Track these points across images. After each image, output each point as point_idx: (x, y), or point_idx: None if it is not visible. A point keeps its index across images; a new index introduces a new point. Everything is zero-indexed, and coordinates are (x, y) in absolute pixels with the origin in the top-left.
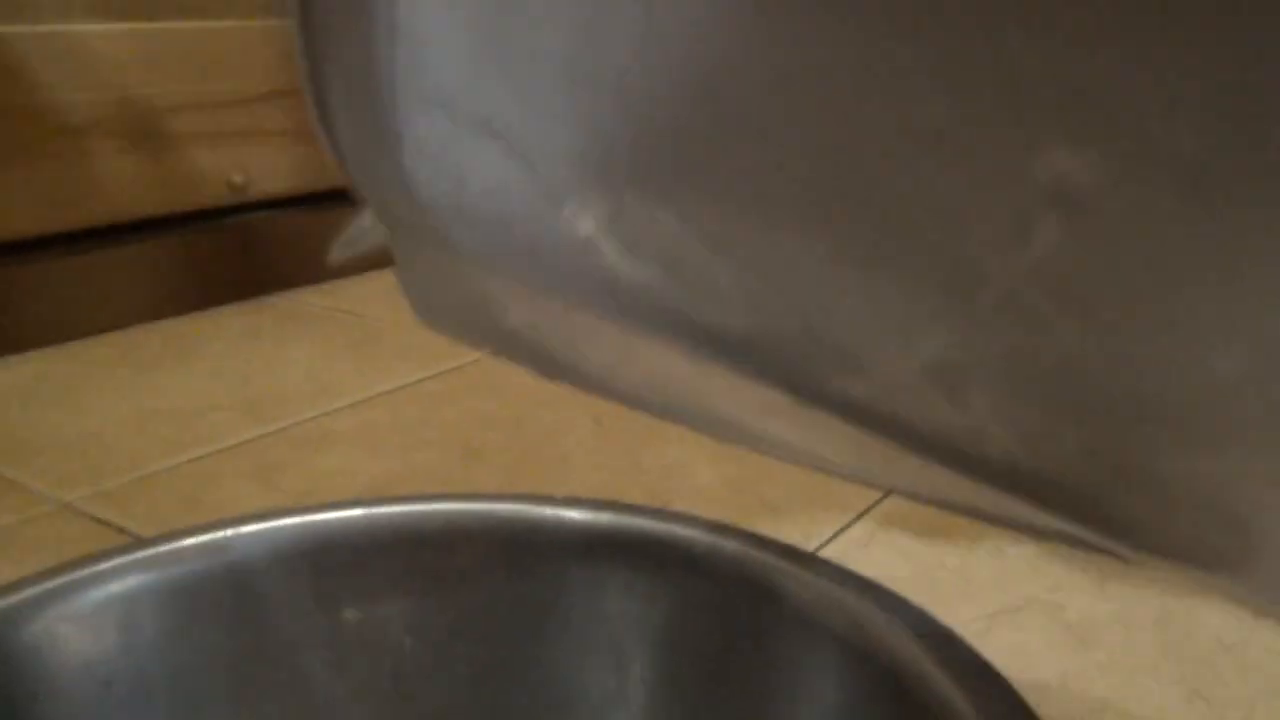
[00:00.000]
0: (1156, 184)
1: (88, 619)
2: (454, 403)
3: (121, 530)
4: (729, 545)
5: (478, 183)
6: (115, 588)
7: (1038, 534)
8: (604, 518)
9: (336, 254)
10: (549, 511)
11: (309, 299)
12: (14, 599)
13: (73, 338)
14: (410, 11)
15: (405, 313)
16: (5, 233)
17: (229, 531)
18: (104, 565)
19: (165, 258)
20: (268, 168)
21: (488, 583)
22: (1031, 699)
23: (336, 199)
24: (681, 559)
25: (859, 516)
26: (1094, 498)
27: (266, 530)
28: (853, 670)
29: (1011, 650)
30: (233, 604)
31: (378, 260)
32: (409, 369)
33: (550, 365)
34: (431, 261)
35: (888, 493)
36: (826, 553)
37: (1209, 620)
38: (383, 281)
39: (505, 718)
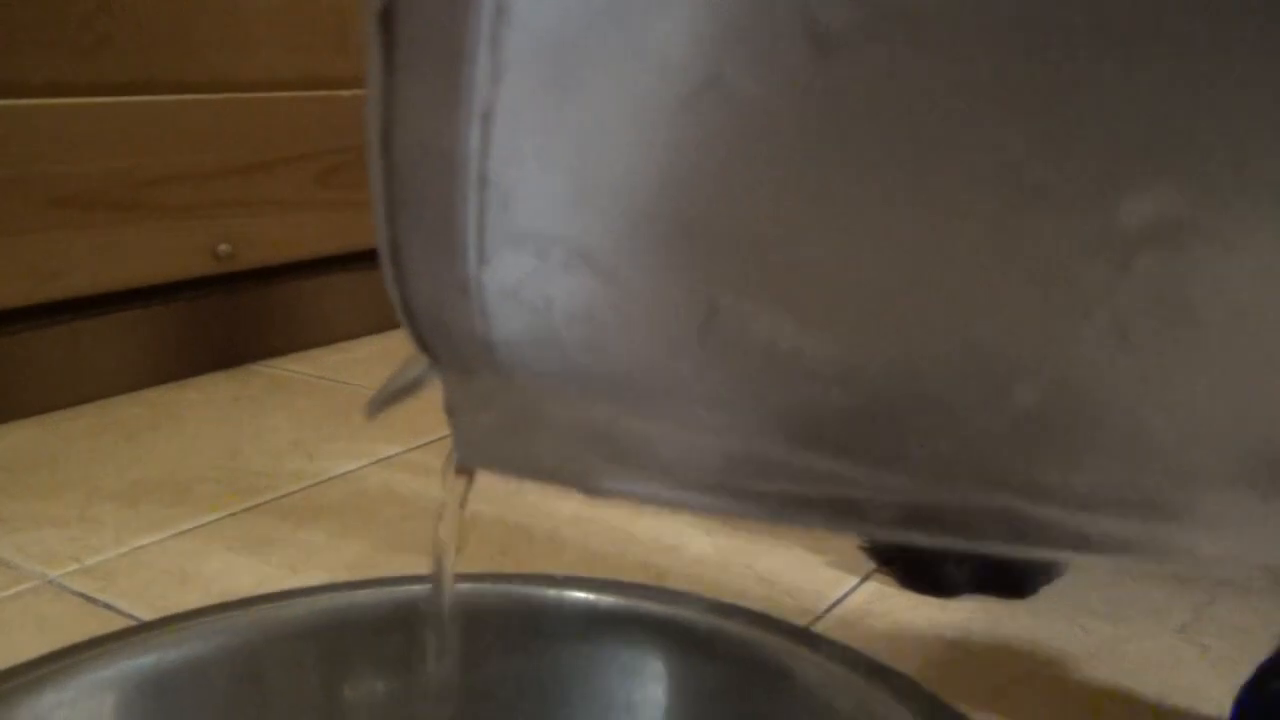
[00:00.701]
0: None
1: (84, 704)
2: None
3: (108, 607)
4: (732, 626)
5: (565, 311)
6: (112, 672)
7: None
8: (606, 599)
9: (373, 408)
10: (551, 593)
11: (294, 367)
12: (10, 684)
13: (56, 408)
14: (501, 163)
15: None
16: None
17: (227, 615)
18: (101, 650)
19: (150, 327)
20: (253, 238)
21: (489, 663)
22: None
23: (323, 267)
24: (685, 640)
25: (854, 588)
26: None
27: (265, 613)
28: None
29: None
30: (231, 687)
31: (363, 329)
32: (398, 438)
33: (599, 484)
34: (490, 403)
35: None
36: (825, 623)
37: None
38: (368, 349)
39: None
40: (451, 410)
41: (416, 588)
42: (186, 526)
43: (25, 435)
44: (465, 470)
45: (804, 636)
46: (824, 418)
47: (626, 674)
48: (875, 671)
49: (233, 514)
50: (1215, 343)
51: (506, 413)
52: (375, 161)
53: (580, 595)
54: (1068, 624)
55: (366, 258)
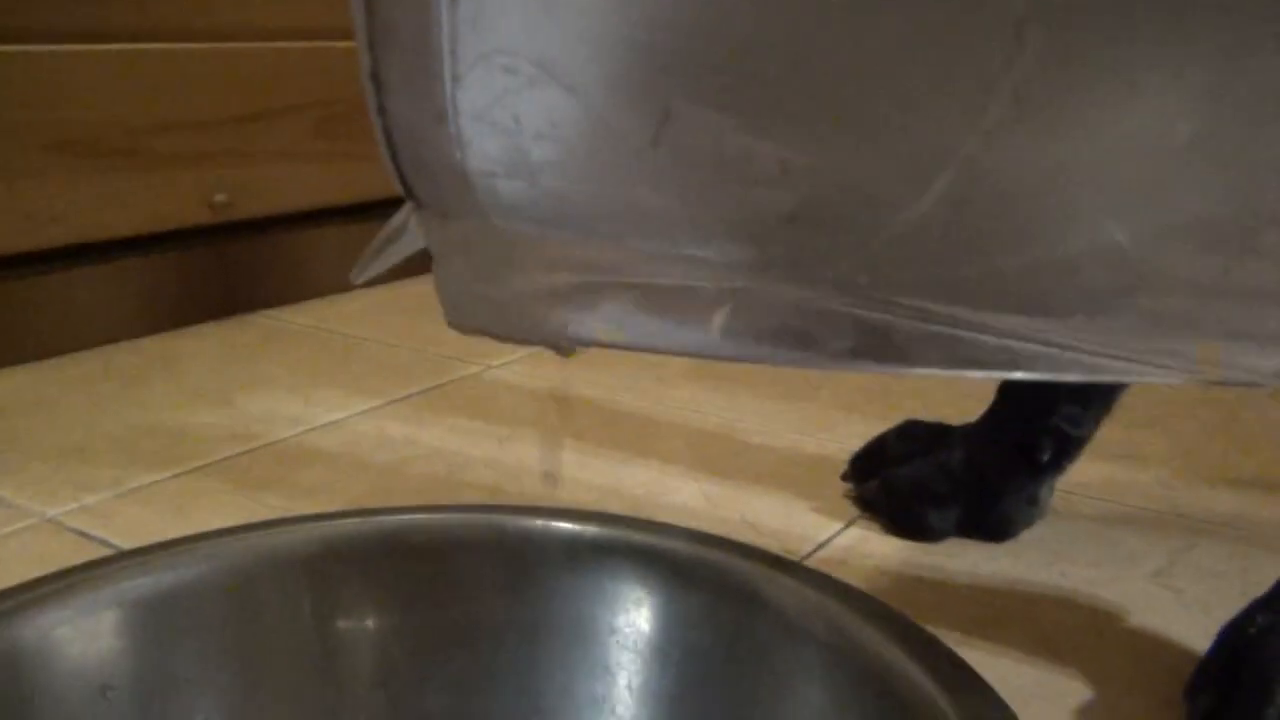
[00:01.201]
0: None
1: (84, 624)
2: (436, 420)
3: (105, 544)
4: (713, 554)
5: (533, 128)
6: (112, 594)
7: None
8: (590, 529)
9: (359, 273)
10: (537, 522)
11: (290, 317)
12: (11, 602)
13: (55, 354)
14: None
15: (387, 331)
16: None
17: (224, 540)
18: (101, 571)
19: (147, 276)
20: (250, 188)
21: (476, 591)
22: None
23: (319, 219)
24: (667, 568)
25: (839, 532)
26: None
27: (260, 539)
28: (836, 673)
29: (990, 658)
30: (227, 612)
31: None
32: (391, 386)
33: (573, 331)
34: (469, 249)
35: (865, 511)
36: (810, 565)
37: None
38: (364, 301)
39: (493, 719)
40: (434, 259)
41: (405, 518)
42: (183, 469)
43: (23, 380)
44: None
45: (780, 564)
46: (770, 225)
47: (609, 601)
48: (848, 595)
49: (228, 458)
50: (1109, 112)
51: (484, 259)
52: None
53: (565, 525)
54: (1045, 568)
55: (363, 210)
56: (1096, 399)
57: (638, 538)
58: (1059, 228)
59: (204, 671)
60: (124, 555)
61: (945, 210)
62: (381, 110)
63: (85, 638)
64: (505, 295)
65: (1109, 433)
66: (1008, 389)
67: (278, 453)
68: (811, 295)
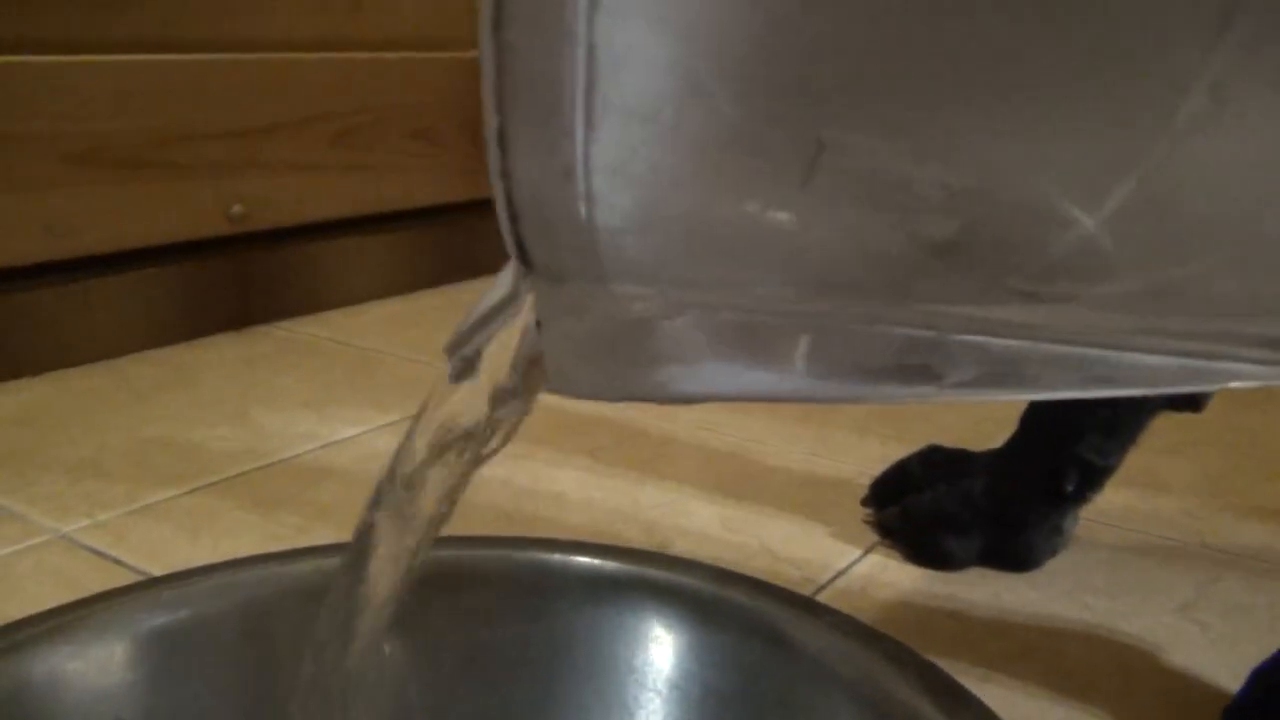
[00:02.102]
0: None
1: (95, 657)
2: None
3: (119, 562)
4: (735, 593)
5: (670, 178)
6: (125, 626)
7: None
8: (610, 564)
9: (454, 345)
10: (556, 557)
11: (306, 329)
12: (25, 634)
13: (69, 365)
14: (609, 27)
15: (404, 345)
16: (5, 260)
17: (236, 571)
18: (114, 603)
19: (162, 287)
20: (267, 199)
21: (494, 625)
22: None
23: (336, 231)
24: (688, 606)
25: (858, 559)
26: None
27: (273, 571)
28: (848, 706)
29: (1013, 694)
30: (241, 644)
31: (375, 292)
32: (407, 402)
33: (694, 388)
34: (580, 313)
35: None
36: (828, 593)
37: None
38: (379, 312)
39: None
40: (541, 325)
41: (432, 552)
42: (197, 485)
43: (38, 392)
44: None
45: (804, 604)
46: (920, 257)
47: (629, 639)
48: (873, 639)
49: (243, 473)
50: None
51: (594, 323)
52: (486, 44)
53: (584, 560)
54: (1069, 599)
55: (379, 221)
56: (1123, 429)
57: (658, 574)
58: (1242, 231)
59: (217, 705)
60: (135, 586)
61: (1118, 224)
62: (505, 173)
63: (96, 671)
64: (610, 358)
65: (1132, 459)
66: (1032, 416)
67: (292, 469)
68: (942, 327)
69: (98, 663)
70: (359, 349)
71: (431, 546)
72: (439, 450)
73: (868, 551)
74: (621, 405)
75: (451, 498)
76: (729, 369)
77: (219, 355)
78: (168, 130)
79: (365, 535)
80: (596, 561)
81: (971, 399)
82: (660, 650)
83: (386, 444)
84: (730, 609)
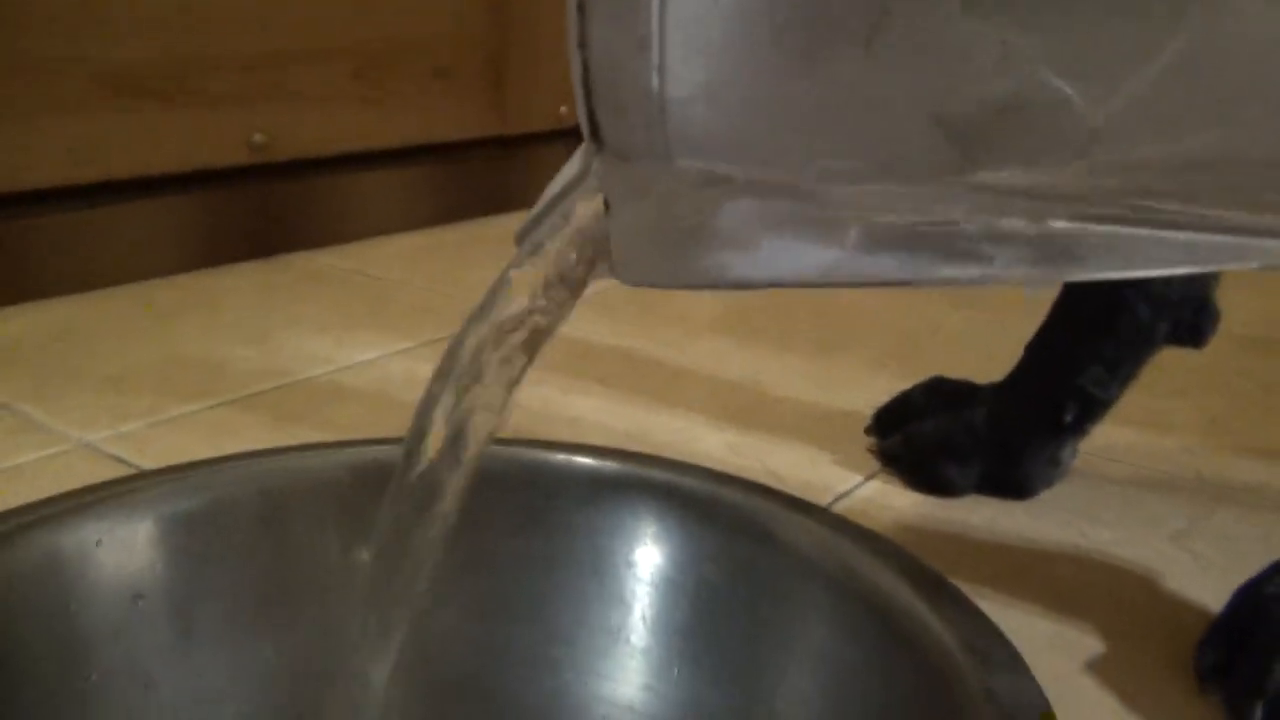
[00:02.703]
0: None
1: (120, 535)
2: None
3: (140, 469)
4: (730, 493)
5: (740, 42)
6: (147, 508)
7: None
8: (610, 464)
9: (527, 228)
10: (559, 457)
11: (326, 260)
12: (56, 509)
13: (94, 288)
14: None
15: (423, 276)
16: (32, 182)
17: (255, 462)
18: (137, 486)
19: (186, 214)
20: (289, 130)
21: (498, 522)
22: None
23: (355, 163)
24: (685, 505)
25: (860, 484)
26: None
27: (290, 463)
28: (843, 607)
29: (1004, 609)
30: (257, 531)
31: (395, 225)
32: (424, 329)
33: (757, 272)
34: (645, 193)
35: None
36: None
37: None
38: (398, 245)
39: (511, 651)
40: (607, 207)
41: None
42: (217, 401)
43: (64, 312)
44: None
45: (796, 504)
46: (981, 119)
47: (627, 535)
48: (860, 535)
49: (262, 392)
50: None
51: (658, 203)
52: None
53: (585, 460)
54: (1064, 527)
55: (399, 156)
56: (1125, 362)
57: (657, 475)
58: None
59: (232, 586)
60: (159, 472)
61: (1162, 86)
62: (582, 42)
63: (120, 548)
64: (672, 241)
65: (1136, 399)
66: (1036, 347)
67: (311, 389)
68: (994, 205)
69: (121, 540)
70: (377, 279)
71: (490, 440)
72: (499, 338)
73: (869, 478)
74: (633, 335)
75: (509, 386)
76: (787, 250)
77: (240, 282)
78: (192, 57)
79: (422, 425)
80: (597, 462)
81: (1020, 279)
82: (657, 546)
83: (403, 368)
84: (724, 507)
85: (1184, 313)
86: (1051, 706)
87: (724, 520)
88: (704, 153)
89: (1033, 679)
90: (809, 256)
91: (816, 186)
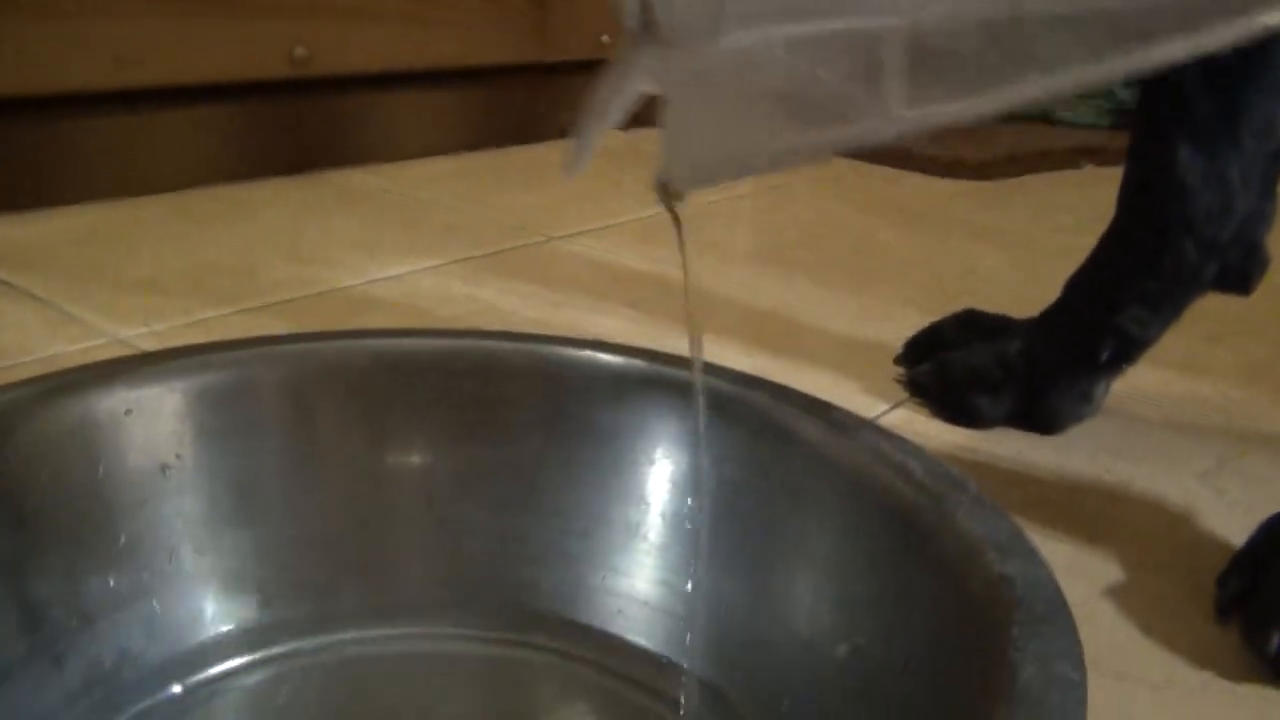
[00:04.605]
0: None
1: (151, 406)
2: (496, 281)
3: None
4: (753, 394)
5: None
6: (178, 382)
7: None
8: (636, 362)
9: (581, 133)
10: (583, 353)
11: (360, 179)
12: (88, 374)
13: (132, 195)
14: None
15: (456, 197)
16: (78, 84)
17: (283, 345)
18: (169, 361)
19: (225, 126)
20: (330, 45)
21: (521, 414)
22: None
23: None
24: (707, 404)
25: (886, 411)
26: None
27: (317, 348)
28: (859, 504)
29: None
30: (282, 411)
31: (429, 149)
32: (454, 249)
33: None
34: (695, 81)
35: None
36: None
37: None
38: (435, 168)
39: (531, 543)
40: (663, 103)
41: (455, 341)
42: (248, 306)
43: (101, 217)
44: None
45: (815, 405)
46: None
47: (649, 433)
48: (884, 436)
49: (294, 299)
50: None
51: (709, 88)
52: None
53: (610, 358)
54: (1090, 462)
55: (439, 77)
56: (1167, 304)
57: (679, 373)
58: None
59: (256, 462)
60: (189, 348)
61: None
62: None
63: (149, 419)
64: (726, 126)
65: (1173, 342)
66: (1076, 284)
67: (342, 298)
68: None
69: (151, 410)
70: (410, 198)
71: None
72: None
73: (895, 406)
74: (666, 261)
75: None
76: (836, 120)
77: (276, 196)
78: None
79: None
80: (622, 359)
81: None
82: (678, 445)
83: (434, 282)
84: (746, 407)
85: (1232, 256)
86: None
87: (746, 420)
88: (759, 19)
89: (1047, 568)
90: (856, 126)
91: (867, 51)
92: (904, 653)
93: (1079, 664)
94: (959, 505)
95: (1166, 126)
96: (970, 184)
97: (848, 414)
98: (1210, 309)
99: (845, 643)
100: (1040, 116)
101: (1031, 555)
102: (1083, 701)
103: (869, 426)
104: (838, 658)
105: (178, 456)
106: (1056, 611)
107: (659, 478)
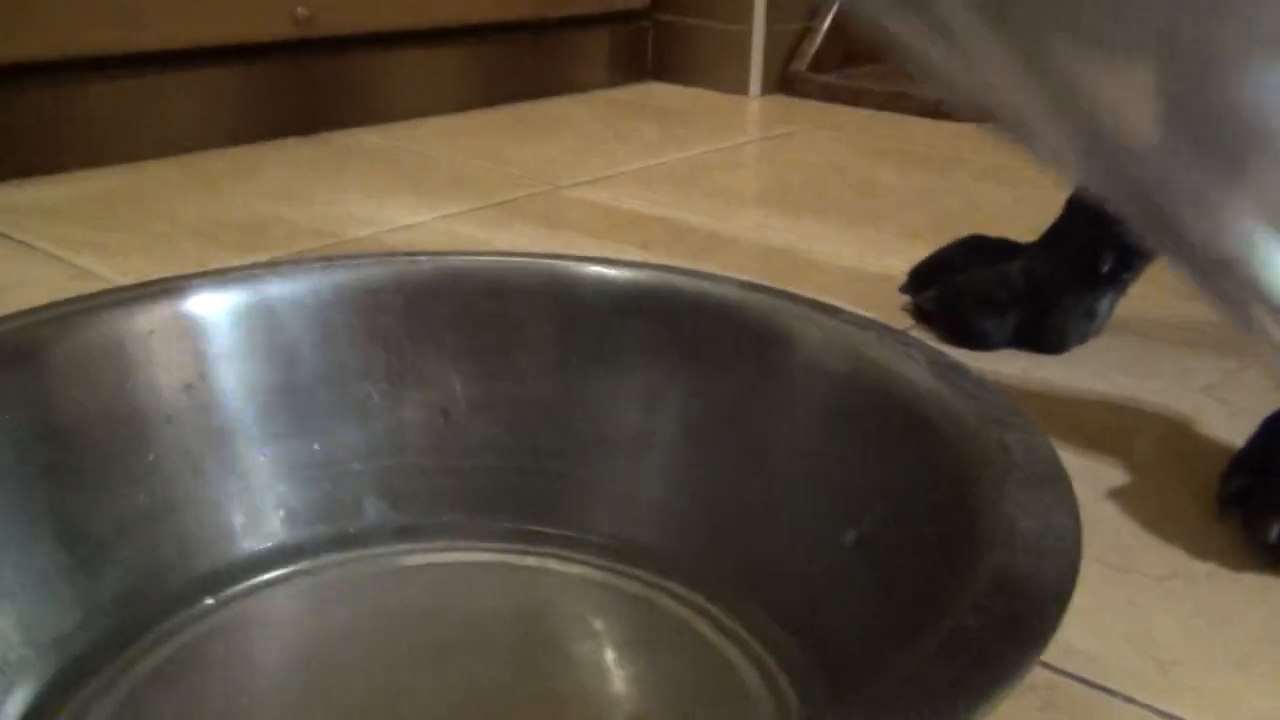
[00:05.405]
0: None
1: (173, 326)
2: (507, 226)
3: None
4: (758, 299)
5: None
6: (201, 302)
7: None
8: (644, 275)
9: None
10: (594, 269)
11: (367, 137)
12: (112, 299)
13: (145, 157)
14: None
15: (462, 153)
16: (83, 48)
17: (304, 265)
18: (190, 283)
19: (232, 88)
20: (332, 4)
21: (533, 329)
22: None
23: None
24: (715, 312)
25: None
26: None
27: (337, 268)
28: (845, 394)
29: None
30: (305, 331)
31: (434, 107)
32: (463, 199)
33: None
34: None
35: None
36: None
37: None
38: (440, 125)
39: (545, 451)
40: None
41: (470, 259)
42: (263, 257)
43: (117, 179)
44: None
45: (819, 306)
46: None
47: (659, 342)
48: (887, 331)
49: (307, 250)
50: None
51: None
52: None
53: (620, 272)
54: (1095, 377)
55: (442, 35)
56: None
57: (688, 283)
58: None
59: (278, 379)
60: (209, 273)
61: None
62: None
63: (173, 339)
64: None
65: None
66: (1075, 200)
67: (353, 247)
68: None
69: (175, 331)
70: (418, 154)
71: None
72: None
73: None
74: (676, 205)
75: None
76: None
77: (284, 155)
78: None
79: None
80: (631, 273)
81: None
82: (686, 351)
83: (446, 229)
84: (751, 313)
85: None
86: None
87: (750, 325)
88: None
89: (1044, 438)
90: None
91: None
92: (910, 528)
93: (1074, 514)
94: (960, 388)
95: None
96: (974, 126)
97: (854, 314)
98: None
99: (853, 530)
100: None
101: (1029, 427)
102: (1078, 544)
103: (873, 324)
104: (847, 544)
105: (200, 376)
106: (1053, 472)
107: (667, 382)
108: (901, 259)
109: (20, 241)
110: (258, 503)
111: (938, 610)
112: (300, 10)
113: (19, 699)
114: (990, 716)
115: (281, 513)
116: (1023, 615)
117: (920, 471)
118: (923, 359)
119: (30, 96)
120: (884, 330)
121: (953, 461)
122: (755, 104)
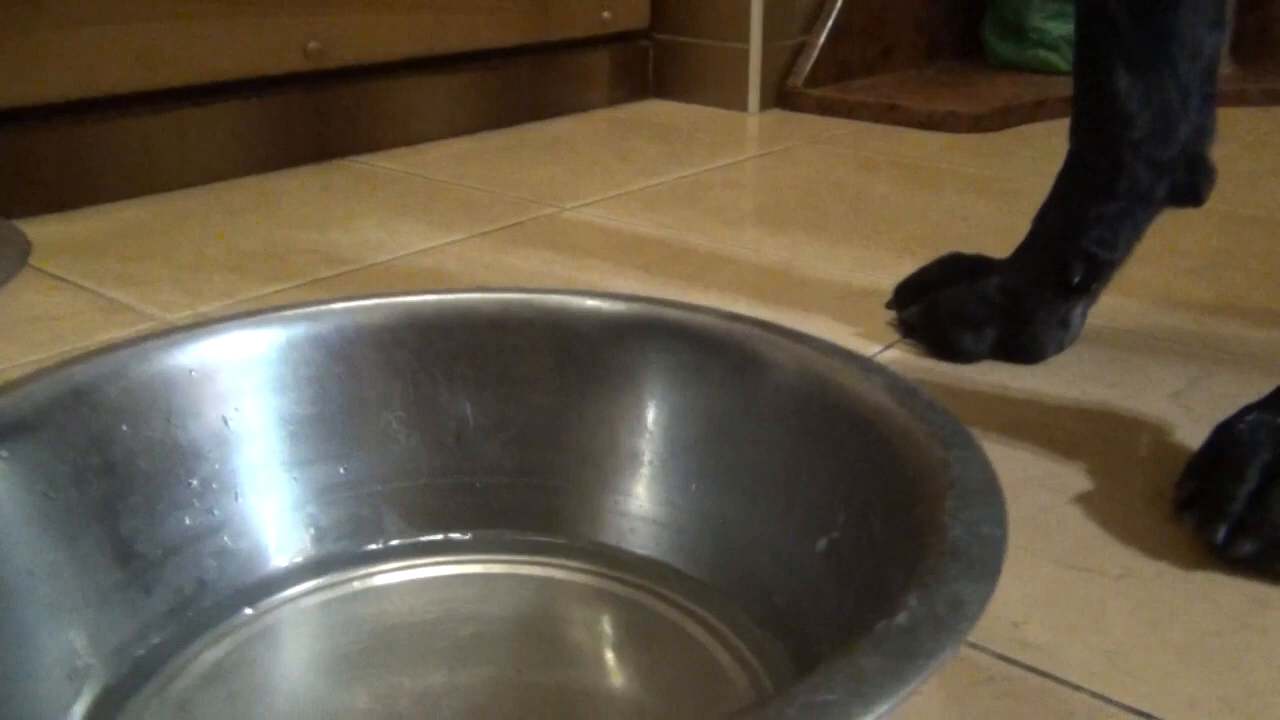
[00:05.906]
0: None
1: (211, 366)
2: (516, 250)
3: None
4: (738, 328)
5: None
6: (235, 343)
7: None
8: (636, 307)
9: None
10: (589, 302)
11: (379, 163)
12: (155, 343)
13: (168, 189)
14: None
15: (471, 177)
16: (104, 88)
17: (326, 307)
18: (225, 324)
19: (247, 120)
20: (342, 36)
21: (536, 360)
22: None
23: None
24: (698, 341)
25: (879, 352)
26: None
27: (357, 308)
28: (815, 413)
29: (999, 450)
30: (330, 366)
31: (442, 131)
32: (472, 224)
33: None
34: None
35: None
36: None
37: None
38: (450, 149)
39: (548, 469)
40: None
41: (476, 296)
42: (285, 285)
43: (142, 211)
44: None
45: (793, 335)
46: None
47: (650, 369)
48: (848, 357)
49: (326, 277)
50: None
51: None
52: None
53: (613, 305)
54: (1068, 386)
55: (449, 61)
56: (1127, 222)
57: (674, 315)
58: None
59: (306, 410)
60: (242, 315)
61: None
62: None
63: (211, 377)
64: None
65: (1154, 276)
66: (1042, 217)
67: (371, 275)
68: None
69: (213, 368)
70: (428, 179)
71: None
72: None
73: (888, 347)
74: (675, 226)
75: None
76: None
77: (300, 183)
78: None
79: None
80: (623, 305)
81: None
82: (674, 377)
83: (457, 255)
84: (732, 342)
85: (1180, 173)
86: (1000, 486)
87: (731, 353)
88: None
89: (983, 454)
90: None
91: None
92: (869, 536)
93: (1002, 525)
94: (913, 409)
95: (1104, 56)
96: (964, 137)
97: (822, 341)
98: (1190, 246)
99: (824, 537)
100: (1037, 68)
101: (970, 444)
102: (1001, 552)
103: (839, 351)
104: (819, 551)
105: (236, 409)
106: (987, 487)
107: (658, 408)
108: (890, 274)
109: (52, 274)
110: (289, 522)
111: (886, 608)
112: (312, 44)
113: (85, 701)
114: (948, 705)
115: (311, 530)
116: (944, 615)
117: (877, 484)
118: (881, 383)
119: (55, 135)
120: (848, 356)
121: (903, 476)
122: (754, 119)
